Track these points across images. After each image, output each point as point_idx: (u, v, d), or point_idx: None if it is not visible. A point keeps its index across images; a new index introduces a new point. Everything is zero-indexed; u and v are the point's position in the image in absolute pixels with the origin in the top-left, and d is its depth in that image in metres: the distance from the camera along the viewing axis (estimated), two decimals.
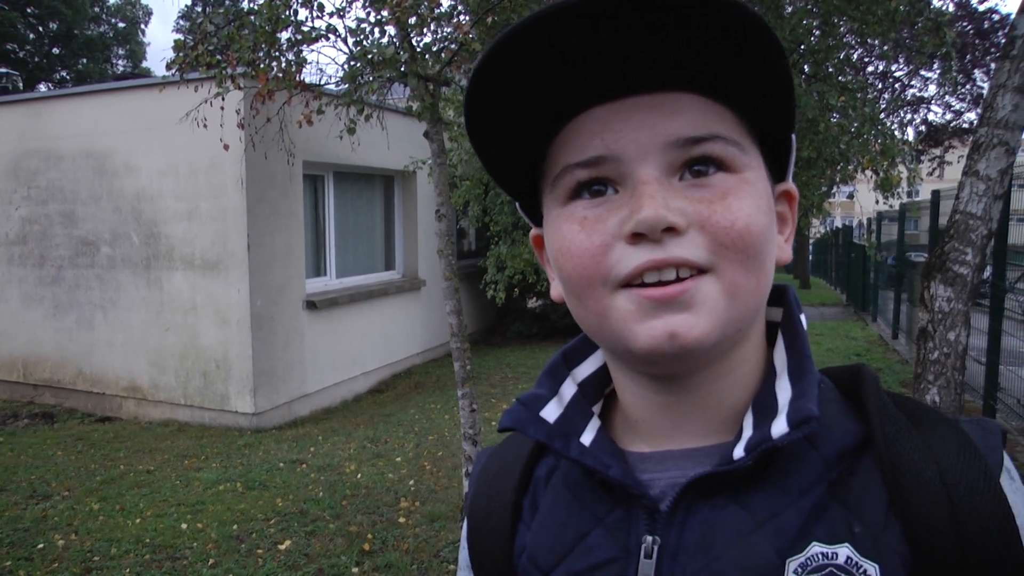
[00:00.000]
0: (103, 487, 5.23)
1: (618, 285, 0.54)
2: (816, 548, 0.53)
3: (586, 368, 0.69)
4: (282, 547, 4.14)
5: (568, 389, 0.67)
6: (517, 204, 0.67)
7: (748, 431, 0.57)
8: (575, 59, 0.52)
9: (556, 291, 0.64)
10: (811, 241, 24.81)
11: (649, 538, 0.58)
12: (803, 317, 0.62)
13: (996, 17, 16.00)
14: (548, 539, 0.64)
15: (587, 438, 0.63)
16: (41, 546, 4.24)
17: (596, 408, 0.68)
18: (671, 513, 0.58)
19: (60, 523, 4.57)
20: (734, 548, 0.55)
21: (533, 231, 0.67)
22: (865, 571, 0.52)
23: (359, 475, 5.33)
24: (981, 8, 16.11)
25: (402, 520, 4.48)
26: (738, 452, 0.56)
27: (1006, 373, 5.99)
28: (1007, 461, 0.56)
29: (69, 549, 4.19)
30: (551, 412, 0.65)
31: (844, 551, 0.52)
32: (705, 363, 0.57)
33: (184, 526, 4.46)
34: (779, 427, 0.55)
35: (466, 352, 4.33)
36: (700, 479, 0.57)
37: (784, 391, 0.58)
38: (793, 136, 0.62)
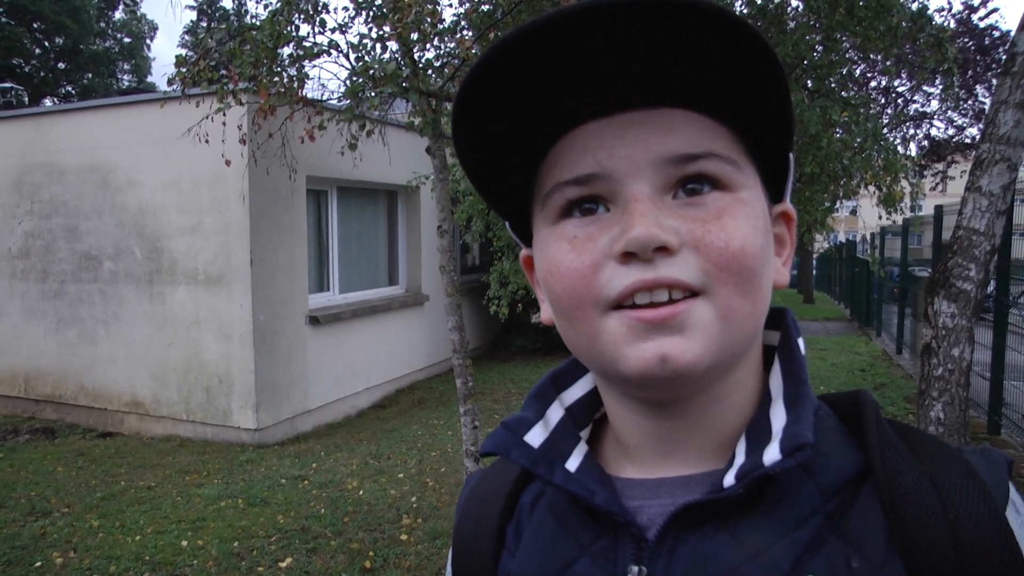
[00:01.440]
0: (103, 503, 5.20)
1: (609, 306, 0.52)
2: None
3: (575, 392, 0.67)
4: (283, 564, 4.11)
5: (555, 413, 0.65)
6: (507, 224, 0.65)
7: (740, 458, 0.55)
8: (568, 73, 0.51)
9: (546, 314, 0.61)
10: (815, 256, 24.82)
11: (635, 568, 0.56)
12: (801, 341, 0.60)
13: (997, 34, 16.07)
14: (533, 568, 0.62)
15: (573, 464, 0.61)
16: (39, 564, 4.20)
17: (584, 433, 0.65)
18: (659, 542, 0.56)
19: (59, 540, 4.54)
20: None
21: (523, 252, 0.65)
22: None
23: (361, 491, 5.29)
24: (982, 25, 16.19)
25: (404, 537, 4.45)
26: (728, 480, 0.54)
27: (1011, 388, 5.95)
28: (1013, 494, 0.54)
29: (67, 567, 4.16)
30: (536, 436, 0.62)
31: None
32: (698, 388, 0.55)
33: (184, 543, 4.43)
34: (771, 454, 0.52)
35: (468, 369, 4.32)
36: (689, 507, 0.55)
37: (779, 417, 0.55)
38: (791, 155, 0.60)
